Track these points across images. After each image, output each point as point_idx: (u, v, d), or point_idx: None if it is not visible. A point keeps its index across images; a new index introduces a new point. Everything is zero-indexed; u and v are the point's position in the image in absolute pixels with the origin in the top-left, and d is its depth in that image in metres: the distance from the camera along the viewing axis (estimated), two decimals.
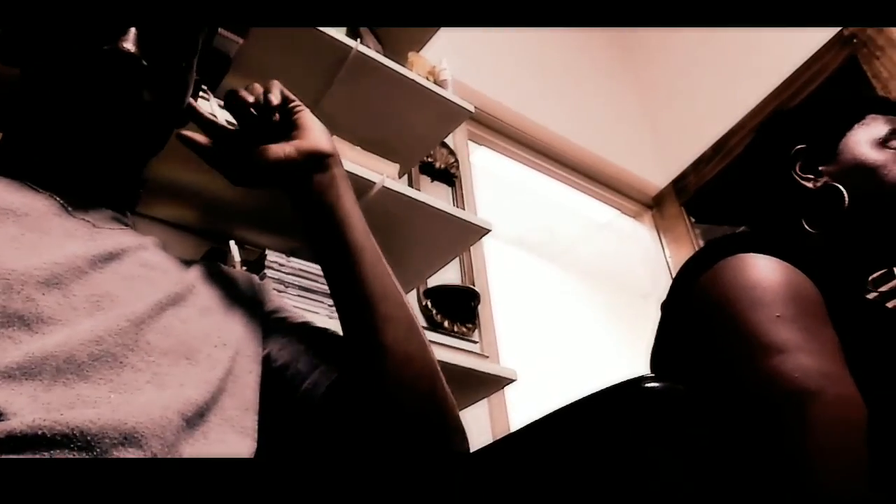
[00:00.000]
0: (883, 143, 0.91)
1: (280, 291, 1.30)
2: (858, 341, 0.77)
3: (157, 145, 0.70)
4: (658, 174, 2.99)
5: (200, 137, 0.70)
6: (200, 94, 0.80)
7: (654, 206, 3.01)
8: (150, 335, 0.56)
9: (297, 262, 1.35)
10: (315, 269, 1.36)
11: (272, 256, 1.33)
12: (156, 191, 1.32)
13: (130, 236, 0.67)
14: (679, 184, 2.91)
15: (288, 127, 0.68)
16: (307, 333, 0.71)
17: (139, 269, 0.63)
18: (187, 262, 0.72)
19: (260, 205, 1.41)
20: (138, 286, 0.60)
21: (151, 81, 0.64)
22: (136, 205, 0.74)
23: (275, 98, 0.67)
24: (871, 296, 0.99)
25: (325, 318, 1.32)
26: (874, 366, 0.77)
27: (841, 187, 0.90)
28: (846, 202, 0.89)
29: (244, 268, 1.32)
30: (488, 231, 1.61)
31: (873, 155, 0.91)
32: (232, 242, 1.34)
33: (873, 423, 0.67)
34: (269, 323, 0.72)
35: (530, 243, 3.63)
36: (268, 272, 1.31)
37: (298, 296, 1.32)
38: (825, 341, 0.71)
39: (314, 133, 0.69)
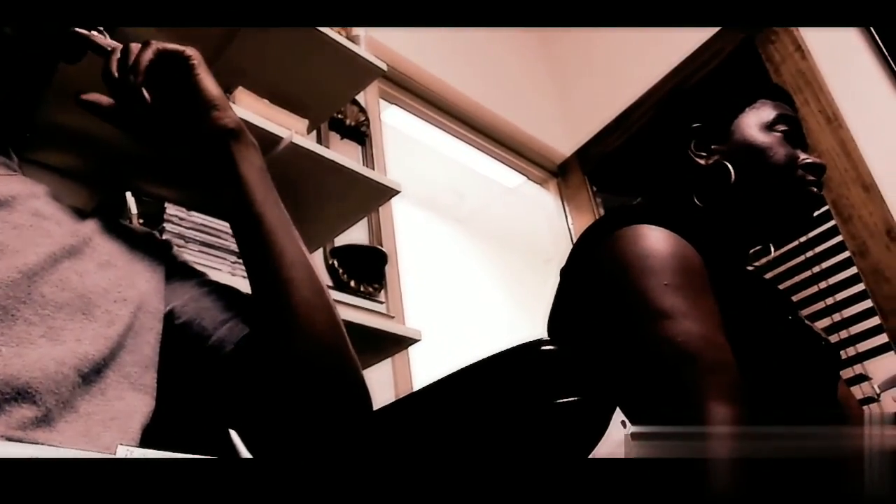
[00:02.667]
0: (770, 126, 0.98)
1: (180, 247, 1.25)
2: (737, 308, 0.84)
3: (37, 82, 0.66)
4: (564, 143, 3.07)
5: (102, 98, 0.66)
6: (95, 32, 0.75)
7: (559, 174, 3.09)
8: (44, 288, 0.54)
9: (198, 217, 1.31)
10: (217, 224, 1.32)
11: (172, 210, 1.28)
12: (46, 136, 1.24)
13: (19, 184, 0.63)
14: (583, 153, 3.00)
15: (184, 88, 0.64)
16: (211, 290, 0.70)
17: (30, 219, 0.59)
18: (82, 214, 0.69)
19: (159, 155, 1.35)
20: (30, 236, 0.57)
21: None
22: (22, 149, 0.69)
23: (142, 66, 0.62)
24: (750, 268, 1.07)
25: (228, 274, 1.29)
26: (749, 330, 0.84)
27: (729, 165, 0.96)
28: (732, 179, 0.96)
29: (141, 221, 1.27)
30: (398, 192, 1.61)
31: (760, 137, 0.97)
32: (128, 194, 1.28)
33: (745, 383, 0.74)
34: (171, 279, 0.70)
35: (438, 205, 3.66)
36: (167, 226, 1.26)
37: (200, 251, 1.28)
38: (707, 309, 0.78)
39: (209, 94, 0.64)
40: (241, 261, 0.95)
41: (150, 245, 0.72)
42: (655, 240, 0.83)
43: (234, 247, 1.22)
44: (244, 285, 0.68)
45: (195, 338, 0.65)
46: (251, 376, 0.62)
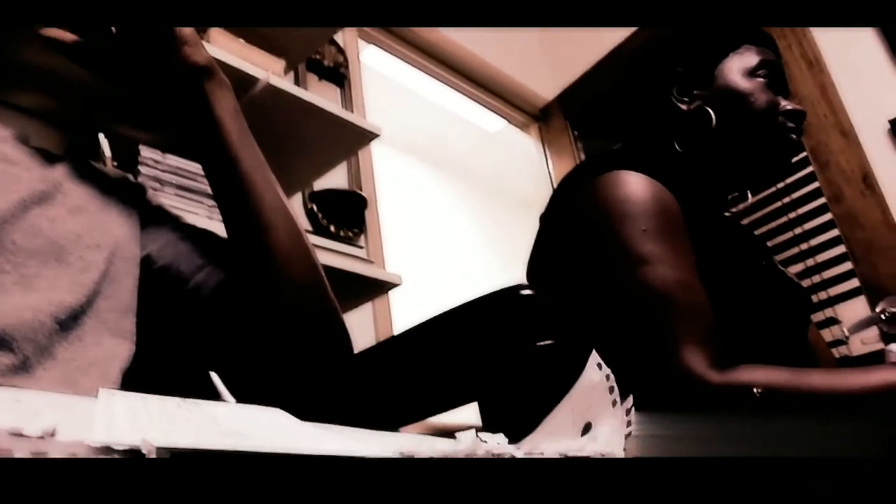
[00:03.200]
0: (752, 72, 0.97)
1: (156, 190, 1.23)
2: (713, 253, 0.86)
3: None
4: (546, 87, 3.03)
5: (66, 35, 0.63)
6: None
7: (540, 118, 3.07)
8: (14, 235, 0.53)
9: (173, 160, 1.28)
10: (194, 166, 1.30)
11: (146, 152, 1.25)
12: (13, 75, 1.20)
13: None
14: (565, 98, 2.97)
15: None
16: (188, 234, 0.69)
17: None
18: (51, 158, 0.67)
19: (129, 95, 1.31)
20: None
21: None
22: None
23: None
24: (727, 213, 1.08)
25: (205, 218, 1.27)
26: (724, 275, 0.85)
27: (710, 110, 0.96)
28: (713, 125, 0.95)
29: (115, 164, 1.24)
30: (377, 135, 1.59)
31: (743, 83, 0.96)
32: (101, 136, 1.24)
33: (719, 326, 0.76)
34: (146, 224, 0.69)
35: (419, 149, 3.63)
36: (142, 169, 1.24)
37: (176, 195, 1.26)
38: (683, 254, 0.79)
39: (178, 29, 0.62)
40: None
41: (124, 189, 0.70)
42: (634, 186, 0.83)
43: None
44: (222, 229, 0.67)
45: (173, 283, 0.65)
46: (231, 321, 0.62)
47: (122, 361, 0.58)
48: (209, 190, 1.30)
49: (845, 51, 2.07)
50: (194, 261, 0.66)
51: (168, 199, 1.24)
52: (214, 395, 0.59)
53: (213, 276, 0.65)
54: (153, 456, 0.19)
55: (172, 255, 0.66)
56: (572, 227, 0.87)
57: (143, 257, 0.66)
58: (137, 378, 0.59)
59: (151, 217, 0.70)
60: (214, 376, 0.58)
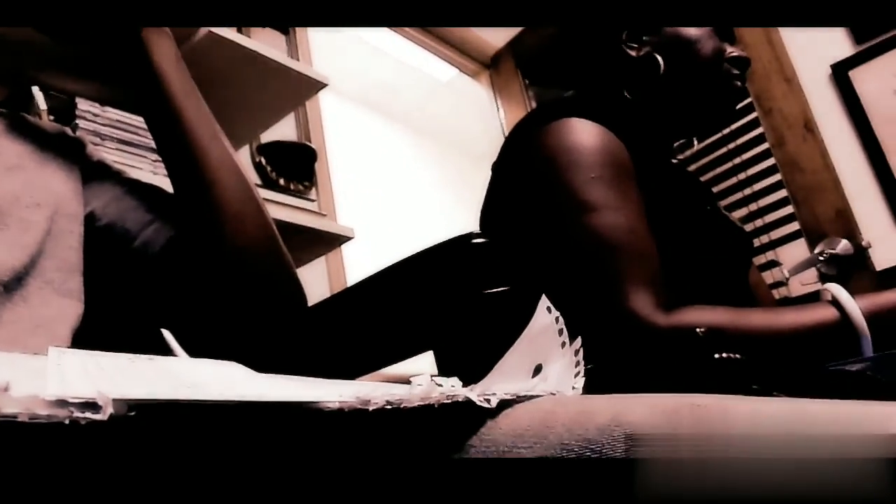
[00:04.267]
0: None
1: (96, 145, 1.19)
2: (661, 199, 0.88)
3: None
4: (496, 34, 3.00)
5: None
6: None
7: (491, 66, 3.04)
8: None
9: (113, 112, 1.24)
10: (135, 119, 1.26)
11: (84, 105, 1.21)
12: None
13: None
14: (516, 45, 2.95)
15: None
16: (133, 190, 0.67)
17: None
18: None
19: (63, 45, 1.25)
20: None
21: None
22: None
23: None
24: (674, 160, 1.10)
25: (149, 173, 1.24)
26: (670, 220, 0.88)
27: (659, 57, 0.97)
28: (661, 71, 0.96)
29: (51, 117, 1.19)
30: (325, 85, 1.56)
31: (690, 30, 0.97)
32: (35, 88, 1.19)
33: (665, 271, 0.78)
34: (88, 179, 0.67)
35: (369, 99, 3.56)
36: (80, 123, 1.19)
37: (117, 149, 1.22)
38: (631, 201, 0.81)
39: None
40: None
41: (62, 144, 0.68)
42: (584, 133, 0.84)
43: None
44: (167, 184, 0.65)
45: (119, 240, 0.63)
46: (182, 279, 0.61)
47: (71, 321, 0.57)
48: (153, 144, 1.27)
49: None
50: (141, 217, 0.64)
51: (109, 154, 1.20)
52: (167, 353, 0.58)
53: (162, 232, 0.63)
54: (109, 408, 0.19)
55: (117, 211, 0.65)
56: (523, 174, 0.88)
57: (86, 214, 0.64)
58: (88, 338, 0.58)
59: (93, 172, 0.68)
60: (166, 333, 0.57)
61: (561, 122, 0.85)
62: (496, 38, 2.99)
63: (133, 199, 0.66)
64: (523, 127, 0.92)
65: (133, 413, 0.19)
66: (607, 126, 0.86)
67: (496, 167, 0.96)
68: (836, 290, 0.74)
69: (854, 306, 0.72)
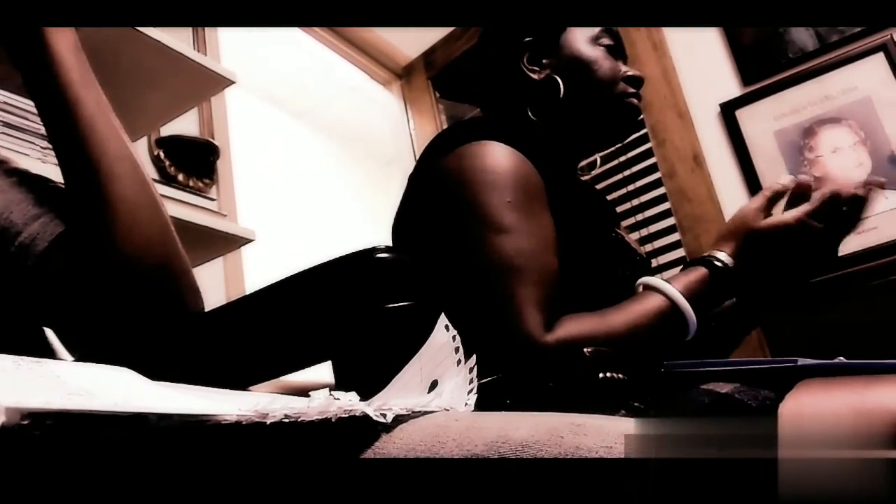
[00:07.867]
0: (595, 40, 1.03)
1: None
2: (568, 220, 0.91)
3: None
4: (410, 45, 3.02)
5: None
6: None
7: (403, 76, 3.06)
8: None
9: None
10: (23, 103, 1.19)
11: None
12: None
13: None
14: (429, 57, 2.98)
15: None
16: (20, 180, 0.64)
17: None
18: None
19: None
20: None
21: None
22: None
23: None
24: (583, 179, 1.15)
25: (38, 161, 1.17)
26: (576, 241, 0.91)
27: (559, 79, 1.01)
28: (562, 94, 1.01)
29: None
30: (233, 82, 1.53)
31: (587, 51, 1.02)
32: None
33: (563, 295, 0.82)
34: None
35: (277, 98, 3.50)
36: None
37: (3, 134, 1.15)
38: (540, 226, 0.84)
39: None
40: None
41: None
42: (500, 157, 0.86)
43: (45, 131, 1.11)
44: (57, 174, 0.62)
45: (2, 233, 0.60)
46: (70, 277, 0.59)
47: None
48: (42, 130, 1.20)
49: (687, 37, 2.24)
50: (27, 209, 0.61)
51: None
52: (50, 354, 0.56)
53: (50, 227, 0.60)
54: (2, 416, 0.18)
55: (2, 202, 0.61)
56: (436, 192, 0.89)
57: None
58: None
59: None
60: (49, 332, 0.55)
61: (478, 143, 0.88)
62: (410, 49, 3.02)
63: (19, 189, 0.62)
64: (440, 144, 0.94)
65: (27, 422, 0.18)
66: (518, 148, 0.89)
67: (412, 180, 0.97)
68: (654, 281, 0.84)
69: (675, 291, 0.82)
